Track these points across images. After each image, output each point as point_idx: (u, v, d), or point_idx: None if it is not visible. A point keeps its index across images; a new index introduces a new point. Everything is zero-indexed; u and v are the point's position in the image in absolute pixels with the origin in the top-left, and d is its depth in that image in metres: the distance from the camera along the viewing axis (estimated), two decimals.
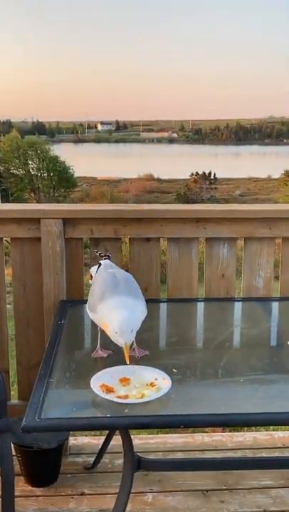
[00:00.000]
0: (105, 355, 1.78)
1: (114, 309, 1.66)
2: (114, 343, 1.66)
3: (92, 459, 2.43)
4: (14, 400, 2.59)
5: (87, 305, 1.87)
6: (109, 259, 2.01)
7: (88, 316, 1.85)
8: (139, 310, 1.71)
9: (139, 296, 1.77)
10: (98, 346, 1.81)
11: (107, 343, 1.79)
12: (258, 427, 2.97)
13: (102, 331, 1.80)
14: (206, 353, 1.94)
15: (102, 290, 1.76)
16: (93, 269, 2.09)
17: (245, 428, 3.03)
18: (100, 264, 1.98)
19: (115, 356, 1.74)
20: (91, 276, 2.10)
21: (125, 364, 1.62)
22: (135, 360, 1.76)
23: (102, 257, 2.02)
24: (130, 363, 1.61)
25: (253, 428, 3.04)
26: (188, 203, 36.55)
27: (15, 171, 41.28)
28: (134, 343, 1.82)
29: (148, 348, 1.82)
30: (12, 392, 2.67)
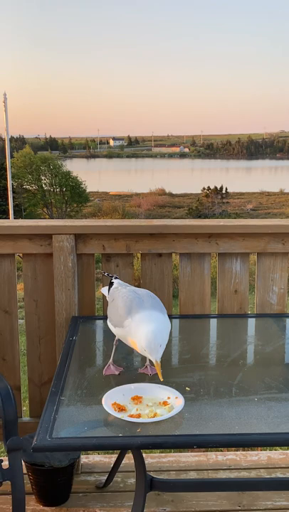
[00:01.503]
0: (117, 373, 1.76)
1: (144, 324, 1.64)
2: (126, 359, 1.64)
3: (103, 478, 2.39)
4: (26, 418, 2.57)
5: (108, 321, 1.86)
6: (117, 278, 2.01)
7: (101, 333, 1.84)
8: (166, 323, 1.69)
9: (164, 311, 1.76)
10: (110, 361, 1.79)
11: (120, 358, 1.77)
12: None
13: (118, 345, 1.78)
14: (220, 370, 1.91)
15: (128, 305, 1.75)
16: (104, 289, 2.08)
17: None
18: (111, 283, 1.97)
19: (127, 373, 1.72)
20: (104, 295, 2.09)
21: (137, 382, 1.59)
22: (148, 378, 1.74)
23: (111, 277, 2.02)
24: (144, 381, 1.59)
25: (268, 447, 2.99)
26: (200, 217, 36.54)
27: (28, 187, 41.60)
28: (148, 361, 1.79)
29: (161, 365, 1.80)
30: (24, 408, 2.65)
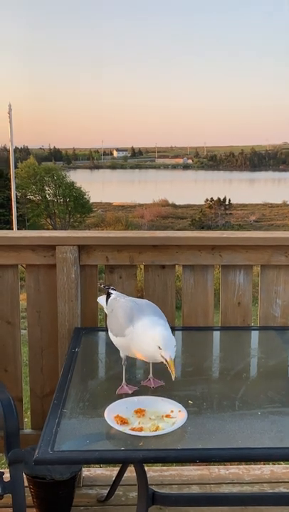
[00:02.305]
0: (130, 392, 1.73)
1: (151, 327, 1.64)
2: (129, 371, 1.63)
3: (105, 491, 2.37)
4: (27, 429, 2.55)
5: (109, 331, 1.85)
6: (114, 290, 2.01)
7: (103, 344, 1.83)
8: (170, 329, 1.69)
9: (164, 318, 1.76)
10: (124, 381, 1.77)
11: (131, 378, 1.76)
12: None
13: (126, 364, 1.78)
14: (223, 384, 1.90)
15: (128, 313, 1.75)
16: (101, 299, 2.08)
17: None
18: (109, 293, 1.97)
19: (140, 391, 1.72)
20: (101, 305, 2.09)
21: (140, 394, 1.58)
22: (151, 391, 1.73)
23: (107, 288, 2.01)
24: (146, 394, 1.58)
25: None
26: (203, 228, 36.59)
27: (31, 197, 41.75)
28: (151, 373, 1.79)
29: (163, 378, 1.79)
30: (25, 419, 2.63)
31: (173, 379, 1.58)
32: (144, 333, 1.64)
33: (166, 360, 1.58)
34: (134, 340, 1.68)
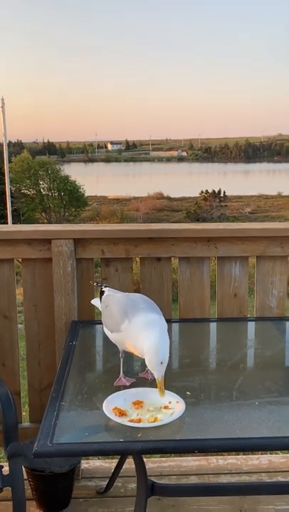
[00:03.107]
0: (128, 384, 1.73)
1: (145, 329, 1.61)
2: (126, 364, 1.62)
3: (104, 483, 2.38)
4: (26, 423, 2.56)
5: (104, 327, 1.85)
6: (107, 287, 2.00)
7: (101, 337, 1.83)
8: (166, 327, 1.67)
9: (160, 312, 1.74)
10: (121, 374, 1.77)
11: (128, 370, 1.77)
12: None
13: (124, 356, 1.78)
14: (220, 374, 1.91)
15: (123, 308, 1.74)
16: (95, 301, 2.08)
17: None
18: (103, 292, 1.97)
19: (137, 382, 1.72)
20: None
21: (138, 386, 1.58)
22: (148, 383, 1.74)
23: (100, 286, 2.01)
24: (144, 386, 1.58)
25: None
26: (198, 220, 36.56)
27: (26, 191, 41.59)
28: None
29: None
30: (23, 413, 2.64)
31: (162, 397, 1.56)
32: (138, 334, 1.62)
33: (157, 380, 1.56)
34: (130, 337, 1.67)
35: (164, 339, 1.60)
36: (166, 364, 1.57)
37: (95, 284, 2.17)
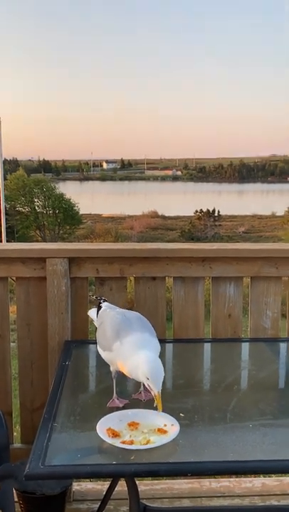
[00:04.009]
0: (121, 405, 1.72)
1: (138, 349, 1.61)
2: (119, 384, 1.61)
3: (96, 506, 2.34)
4: (17, 444, 2.53)
5: (98, 345, 1.85)
6: (106, 301, 2.00)
7: (94, 358, 1.82)
8: (158, 348, 1.67)
9: (154, 333, 1.74)
10: (114, 395, 1.76)
11: (122, 391, 1.75)
12: None
13: (117, 377, 1.77)
14: (214, 396, 1.89)
15: (116, 328, 1.73)
16: (92, 312, 2.07)
17: None
18: (100, 306, 1.96)
19: (130, 404, 1.71)
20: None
21: (132, 408, 1.57)
22: (142, 404, 1.73)
23: (99, 300, 2.00)
24: (138, 407, 1.57)
25: None
26: (192, 239, 36.67)
27: (21, 209, 41.63)
28: (142, 386, 1.78)
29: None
30: (15, 434, 2.61)
31: (160, 411, 1.55)
32: (130, 353, 1.62)
33: (154, 394, 1.56)
34: (121, 357, 1.66)
35: (158, 358, 1.60)
36: (161, 381, 1.56)
37: (94, 297, 2.15)
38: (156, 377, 1.55)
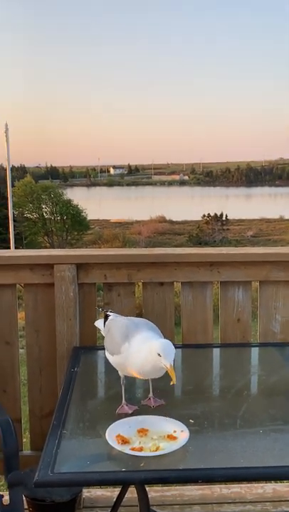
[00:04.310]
0: (130, 412, 1.71)
1: (147, 341, 1.63)
2: (129, 390, 1.61)
3: None
4: (26, 451, 2.52)
5: (105, 350, 1.84)
6: (112, 313, 2.00)
7: (102, 364, 1.82)
8: None
9: (161, 335, 1.74)
10: (123, 401, 1.76)
11: (131, 397, 1.75)
12: None
13: (126, 383, 1.76)
14: (224, 402, 1.88)
15: (124, 331, 1.74)
16: (99, 323, 2.07)
17: None
18: (106, 316, 1.96)
19: (139, 411, 1.70)
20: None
21: (141, 414, 1.56)
22: (151, 410, 1.72)
23: (106, 311, 2.01)
24: (147, 413, 1.56)
25: None
26: (200, 244, 36.61)
27: (29, 215, 41.77)
28: (151, 392, 1.77)
29: (163, 397, 1.78)
30: (24, 440, 2.60)
31: (171, 383, 1.57)
32: (139, 349, 1.63)
33: (167, 367, 1.57)
34: (130, 357, 1.66)
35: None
36: (172, 355, 1.58)
37: (100, 309, 2.16)
38: (168, 351, 1.57)
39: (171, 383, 1.57)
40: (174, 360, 1.59)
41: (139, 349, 1.64)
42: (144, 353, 1.61)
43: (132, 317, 1.92)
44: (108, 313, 1.97)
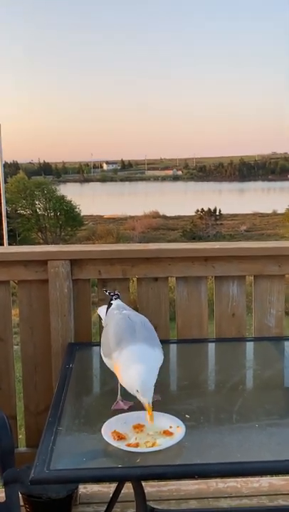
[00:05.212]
0: (126, 408, 1.70)
1: (133, 363, 1.57)
2: (133, 394, 1.60)
3: (102, 509, 2.33)
4: (22, 448, 2.52)
5: (101, 349, 1.83)
6: (118, 297, 1.97)
7: (98, 360, 1.81)
8: (158, 360, 1.64)
9: (156, 343, 1.70)
10: (118, 397, 1.74)
11: (126, 393, 1.74)
12: None
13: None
14: (219, 396, 1.88)
15: (118, 335, 1.70)
16: (101, 310, 2.04)
17: None
18: (110, 303, 1.94)
19: (135, 406, 1.69)
20: (99, 317, 2.06)
21: (137, 410, 1.55)
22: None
23: (112, 296, 1.98)
24: (143, 410, 1.55)
25: None
26: (194, 239, 36.64)
27: (22, 211, 41.65)
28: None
29: (159, 393, 1.76)
30: (20, 436, 2.60)
31: (148, 424, 1.53)
32: (126, 368, 1.59)
33: (144, 405, 1.53)
34: (118, 368, 1.64)
35: (151, 370, 1.57)
36: (151, 392, 1.53)
37: (106, 292, 2.10)
38: (145, 389, 1.52)
39: (148, 424, 1.52)
40: (153, 397, 1.54)
41: (125, 368, 1.59)
42: (126, 377, 1.58)
43: (131, 313, 1.87)
44: (112, 300, 1.94)
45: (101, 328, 2.07)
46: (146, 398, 1.52)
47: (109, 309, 1.91)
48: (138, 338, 1.66)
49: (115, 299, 1.96)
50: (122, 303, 1.96)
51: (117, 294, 1.99)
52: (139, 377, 1.54)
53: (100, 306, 2.16)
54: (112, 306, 1.92)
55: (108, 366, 1.77)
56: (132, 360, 1.59)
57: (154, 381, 1.55)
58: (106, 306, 1.99)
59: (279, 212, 50.66)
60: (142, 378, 1.53)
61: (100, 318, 2.08)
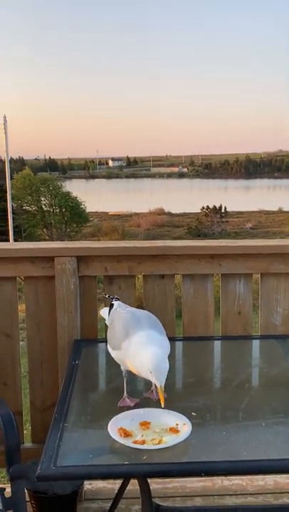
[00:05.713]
0: (132, 405, 1.70)
1: (145, 345, 1.59)
2: (139, 391, 1.60)
3: (108, 505, 2.34)
4: (28, 443, 2.52)
5: (108, 344, 1.84)
6: (118, 300, 1.98)
7: (104, 356, 1.81)
8: (167, 346, 1.66)
9: (163, 332, 1.72)
10: (125, 394, 1.75)
11: (133, 390, 1.74)
12: None
13: (128, 376, 1.76)
14: (226, 394, 1.88)
15: (125, 327, 1.72)
16: (104, 311, 2.05)
17: None
18: (112, 305, 1.95)
19: (142, 403, 1.69)
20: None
21: (143, 407, 1.56)
22: (154, 403, 1.71)
23: (112, 299, 1.99)
24: (149, 406, 1.56)
25: None
26: (199, 236, 36.56)
27: (27, 208, 41.67)
28: (153, 385, 1.76)
29: (165, 390, 1.76)
30: (25, 432, 2.60)
31: (162, 406, 1.54)
32: (137, 351, 1.61)
33: (156, 387, 1.54)
34: (129, 355, 1.65)
35: (164, 353, 1.59)
36: (164, 375, 1.54)
37: (106, 296, 2.12)
38: (159, 371, 1.53)
39: (162, 406, 1.53)
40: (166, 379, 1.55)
41: (137, 351, 1.61)
42: (139, 359, 1.59)
43: (135, 309, 1.90)
44: (113, 302, 1.96)
45: (106, 325, 2.07)
46: (159, 380, 1.53)
47: (113, 309, 1.92)
48: (144, 326, 1.68)
49: (115, 301, 1.97)
50: (122, 303, 1.97)
51: (117, 298, 2.00)
52: (153, 358, 1.55)
53: (110, 296, 2.16)
54: (115, 306, 1.93)
55: (116, 360, 1.77)
56: (144, 343, 1.60)
57: (168, 367, 1.56)
58: (108, 308, 2.00)
59: (285, 209, 50.50)
60: (156, 360, 1.55)
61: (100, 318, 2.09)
